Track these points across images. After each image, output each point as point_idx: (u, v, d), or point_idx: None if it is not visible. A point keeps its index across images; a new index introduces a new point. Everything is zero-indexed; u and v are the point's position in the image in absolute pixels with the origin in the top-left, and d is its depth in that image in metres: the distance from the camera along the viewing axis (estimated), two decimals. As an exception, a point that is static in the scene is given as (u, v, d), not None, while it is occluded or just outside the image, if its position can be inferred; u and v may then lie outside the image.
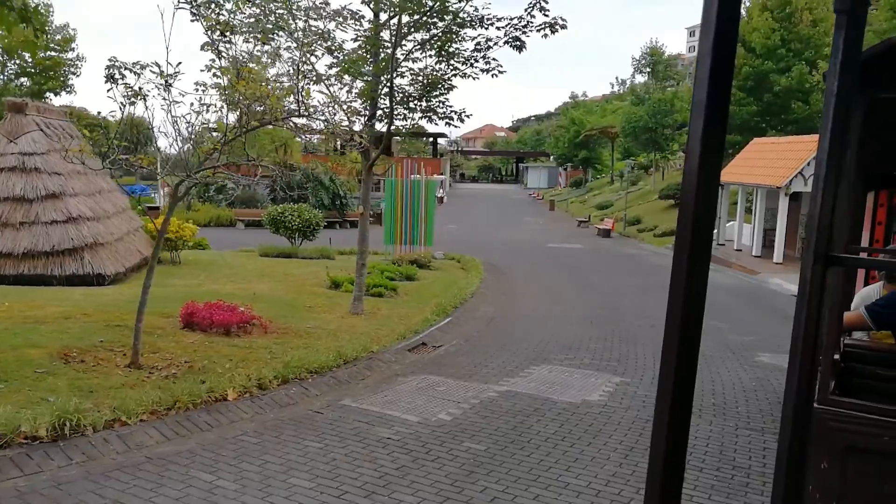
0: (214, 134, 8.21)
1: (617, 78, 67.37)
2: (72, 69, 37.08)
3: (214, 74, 7.73)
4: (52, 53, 35.29)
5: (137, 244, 15.40)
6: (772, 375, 9.36)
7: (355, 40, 11.76)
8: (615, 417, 7.18)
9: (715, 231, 25.66)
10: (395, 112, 11.96)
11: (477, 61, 11.75)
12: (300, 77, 11.36)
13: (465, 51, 11.68)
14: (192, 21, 7.09)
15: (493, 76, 12.02)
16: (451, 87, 12.41)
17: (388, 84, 11.18)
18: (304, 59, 11.17)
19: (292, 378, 7.75)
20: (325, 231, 32.91)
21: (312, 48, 11.05)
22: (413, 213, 22.47)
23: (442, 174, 75.24)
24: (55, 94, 37.34)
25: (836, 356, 3.31)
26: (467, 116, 12.44)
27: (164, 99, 7.46)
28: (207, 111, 7.80)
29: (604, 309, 14.53)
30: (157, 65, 7.41)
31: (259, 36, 10.47)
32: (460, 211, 52.93)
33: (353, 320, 11.73)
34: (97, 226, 13.49)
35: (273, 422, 6.46)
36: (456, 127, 14.10)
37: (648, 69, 56.33)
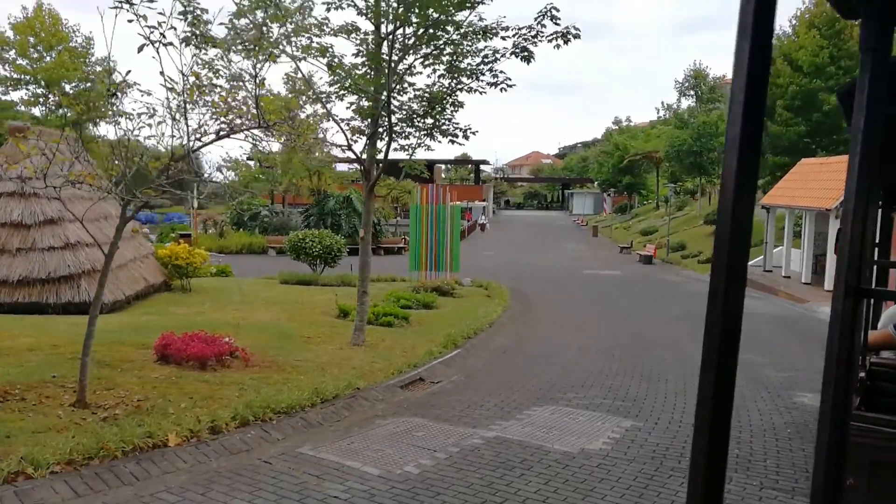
0: (163, 149, 7.54)
1: (662, 103, 65.73)
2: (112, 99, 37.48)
3: (164, 84, 7.07)
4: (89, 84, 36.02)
5: (144, 271, 14.94)
6: (811, 420, 8.16)
7: (357, 55, 11.10)
8: (615, 472, 6.15)
9: (761, 257, 24.26)
10: (398, 131, 11.22)
11: (483, 74, 10.95)
12: (298, 87, 10.77)
13: (470, 65, 10.91)
14: (130, 22, 6.50)
15: (501, 90, 11.19)
16: (459, 105, 11.65)
17: (387, 99, 10.44)
18: (296, 72, 10.55)
19: (254, 419, 6.94)
20: (353, 258, 32.56)
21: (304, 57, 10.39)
22: (438, 239, 21.70)
23: (484, 201, 74.59)
24: (94, 124, 38.01)
25: (862, 374, 3.31)
26: (473, 133, 11.60)
27: (112, 112, 6.83)
28: (156, 124, 7.13)
29: (630, 340, 13.40)
30: (107, 74, 6.79)
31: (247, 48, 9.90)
32: (501, 237, 52.06)
33: (351, 352, 10.91)
34: (96, 252, 13.00)
35: (210, 474, 5.63)
36: (460, 144, 13.37)
37: (692, 92, 54.82)
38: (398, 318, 14.07)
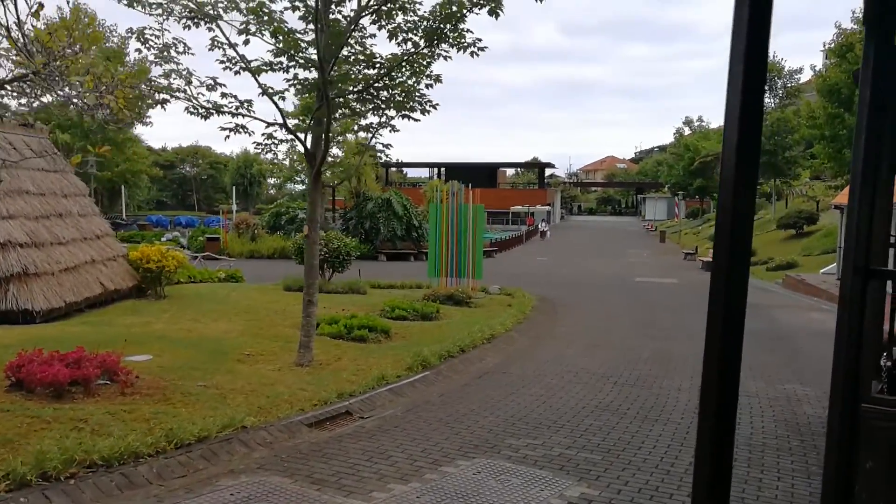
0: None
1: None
2: (148, 101, 37.24)
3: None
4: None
5: (105, 275, 13.53)
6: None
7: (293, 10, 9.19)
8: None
9: (834, 265, 21.11)
10: (354, 107, 9.30)
11: (445, 36, 8.92)
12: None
13: (429, 23, 8.88)
14: None
15: (471, 54, 9.12)
16: (435, 79, 9.66)
17: (321, 58, 8.48)
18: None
19: (43, 479, 5.12)
20: (401, 263, 30.81)
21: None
22: (459, 242, 19.68)
23: (548, 205, 71.85)
24: (130, 126, 37.80)
25: (889, 363, 3.32)
26: (433, 107, 9.54)
27: None
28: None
29: (649, 362, 11.03)
30: None
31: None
32: (562, 243, 49.54)
33: (286, 375, 9.04)
34: (34, 253, 11.65)
35: None
36: (416, 121, 11.28)
37: (766, 87, 50.76)
38: (377, 331, 12.13)
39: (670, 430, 7.32)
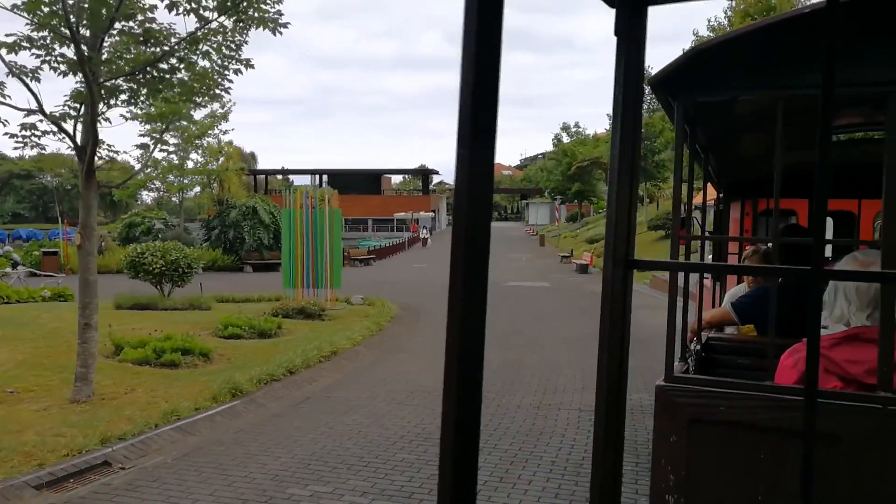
0: None
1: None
2: None
3: None
4: None
5: None
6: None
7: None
8: None
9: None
10: (120, 91, 7.77)
11: (239, 8, 7.61)
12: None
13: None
14: None
15: (273, 31, 7.86)
16: (245, 63, 8.33)
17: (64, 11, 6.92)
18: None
19: None
20: (270, 274, 28.88)
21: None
22: (316, 250, 18.30)
23: (432, 212, 71.29)
24: None
25: (698, 347, 3.77)
26: (225, 91, 8.22)
27: None
28: None
29: (492, 375, 10.10)
30: None
31: None
32: (443, 250, 48.75)
33: (48, 417, 7.45)
34: None
35: None
36: (202, 106, 10.04)
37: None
38: (193, 354, 10.61)
39: (493, 459, 6.32)
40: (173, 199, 33.45)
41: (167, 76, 7.80)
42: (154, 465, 6.23)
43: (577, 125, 70.66)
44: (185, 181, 31.34)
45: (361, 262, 36.67)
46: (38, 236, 34.77)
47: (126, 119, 8.18)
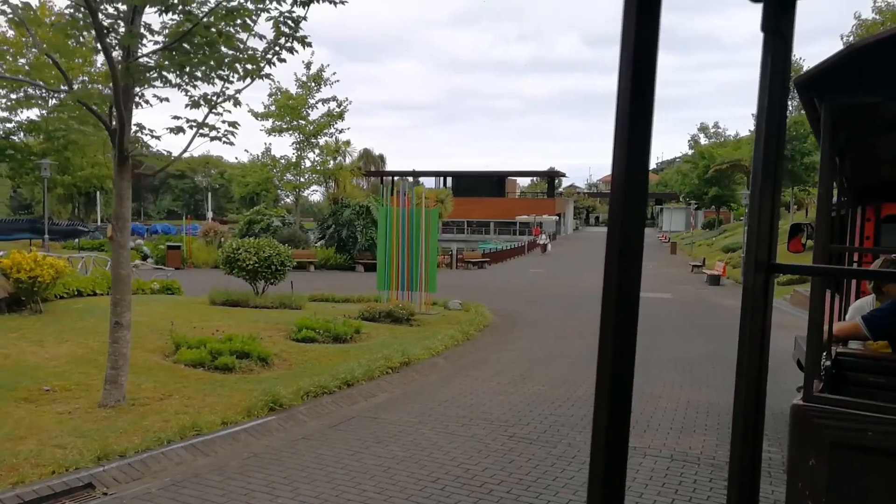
0: None
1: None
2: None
3: None
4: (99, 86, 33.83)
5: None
6: None
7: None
8: None
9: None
10: (150, 69, 7.05)
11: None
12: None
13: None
14: None
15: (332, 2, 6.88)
16: (294, 21, 7.49)
17: None
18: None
19: None
20: (326, 273, 28.56)
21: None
22: (411, 251, 17.41)
23: (557, 216, 69.21)
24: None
25: (828, 363, 3.41)
26: (279, 60, 7.32)
27: None
28: None
29: (573, 403, 8.64)
30: None
31: None
32: (563, 256, 46.96)
33: (66, 422, 6.87)
34: None
35: None
36: (264, 77, 8.82)
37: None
38: (251, 358, 9.91)
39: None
40: (286, 198, 33.83)
41: (201, 52, 7.01)
42: (137, 493, 5.38)
43: (716, 126, 66.33)
44: (302, 179, 31.63)
45: (475, 265, 35.66)
46: (171, 231, 36.46)
47: (160, 100, 7.48)
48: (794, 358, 7.63)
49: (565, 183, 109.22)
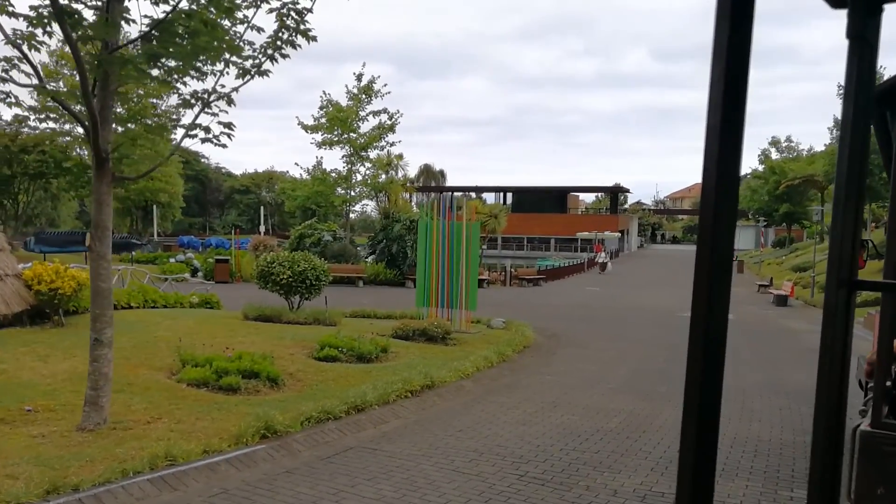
0: None
1: (835, 118, 50.78)
2: (172, 115, 35.88)
3: None
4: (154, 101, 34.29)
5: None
6: None
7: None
8: None
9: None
10: (126, 62, 6.51)
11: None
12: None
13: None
14: None
15: None
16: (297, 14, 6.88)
17: None
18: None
19: None
20: (370, 289, 27.92)
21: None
22: (452, 266, 16.63)
23: (619, 232, 67.31)
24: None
25: (888, 383, 3.16)
26: (283, 55, 6.68)
27: None
28: None
29: (601, 438, 7.66)
30: None
31: None
32: (622, 274, 45.32)
33: (32, 448, 6.31)
34: None
35: None
36: (265, 75, 8.01)
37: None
38: (260, 378, 9.29)
39: None
40: (346, 212, 33.53)
41: (180, 42, 6.42)
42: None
43: (788, 140, 63.44)
44: (353, 193, 31.32)
45: (529, 283, 34.60)
46: (225, 245, 36.80)
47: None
48: (857, 378, 6.81)
49: (630, 199, 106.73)
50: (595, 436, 7.72)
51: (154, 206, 43.42)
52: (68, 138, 29.54)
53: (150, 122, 7.00)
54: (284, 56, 7.32)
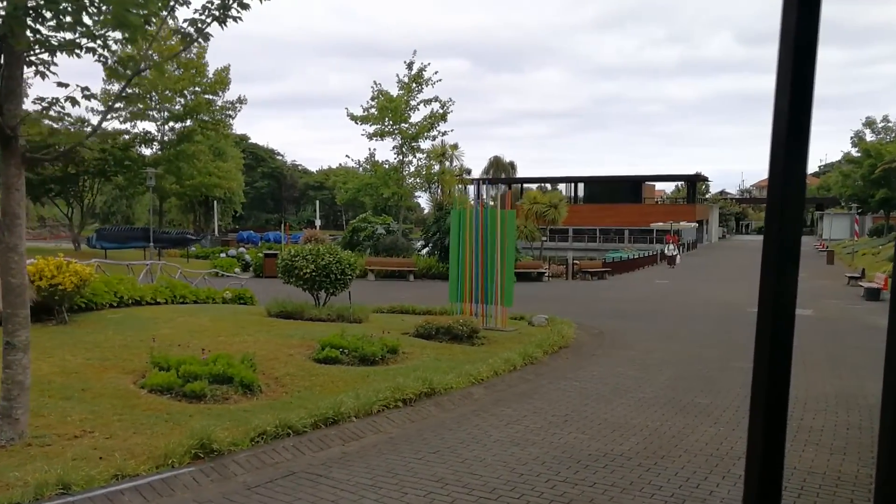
0: None
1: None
2: (228, 112, 35.98)
3: None
4: (209, 97, 34.32)
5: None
6: None
7: None
8: None
9: None
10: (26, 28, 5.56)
11: None
12: None
13: None
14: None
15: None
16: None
17: None
18: None
19: None
20: (390, 283, 26.69)
21: None
22: (486, 258, 15.37)
23: (696, 223, 63.97)
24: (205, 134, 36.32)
25: None
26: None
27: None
28: None
29: (607, 464, 6.27)
30: None
31: None
32: (696, 266, 42.80)
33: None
34: None
35: None
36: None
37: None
38: (233, 383, 8.32)
39: None
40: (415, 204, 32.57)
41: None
42: None
43: (885, 120, 58.70)
44: (405, 185, 30.36)
45: (593, 276, 32.82)
46: (284, 239, 36.69)
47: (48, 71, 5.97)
48: None
49: (713, 189, 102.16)
50: (598, 462, 6.32)
51: (214, 202, 43.89)
52: (126, 136, 29.77)
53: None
54: (222, 23, 6.22)
